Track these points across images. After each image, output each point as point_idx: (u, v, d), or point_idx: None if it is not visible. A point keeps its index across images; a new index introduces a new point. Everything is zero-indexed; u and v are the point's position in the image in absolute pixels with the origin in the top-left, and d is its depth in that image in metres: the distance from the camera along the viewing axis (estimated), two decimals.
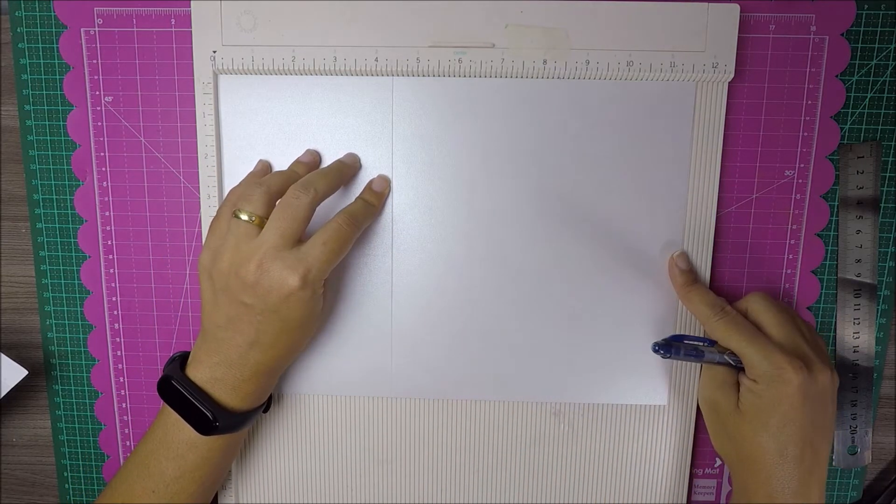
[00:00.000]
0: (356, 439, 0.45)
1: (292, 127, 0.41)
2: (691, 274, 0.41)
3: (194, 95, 0.41)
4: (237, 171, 0.42)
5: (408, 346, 0.43)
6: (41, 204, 0.44)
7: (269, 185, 0.37)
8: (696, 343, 0.40)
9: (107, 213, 0.43)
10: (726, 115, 0.41)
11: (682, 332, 0.43)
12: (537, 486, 0.45)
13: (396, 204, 0.42)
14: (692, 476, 0.46)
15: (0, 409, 0.46)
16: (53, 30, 0.41)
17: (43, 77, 0.42)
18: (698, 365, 0.43)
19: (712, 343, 0.40)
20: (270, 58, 0.40)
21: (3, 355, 0.43)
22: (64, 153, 0.43)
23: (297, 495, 0.46)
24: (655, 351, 0.39)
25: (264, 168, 0.41)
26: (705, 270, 0.42)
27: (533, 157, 0.41)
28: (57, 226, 0.44)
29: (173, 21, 0.41)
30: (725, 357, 0.39)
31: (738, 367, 0.39)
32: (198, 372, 0.37)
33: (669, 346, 0.39)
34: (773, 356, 0.36)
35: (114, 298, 0.44)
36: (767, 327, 0.38)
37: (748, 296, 0.40)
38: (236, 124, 0.41)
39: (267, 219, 0.36)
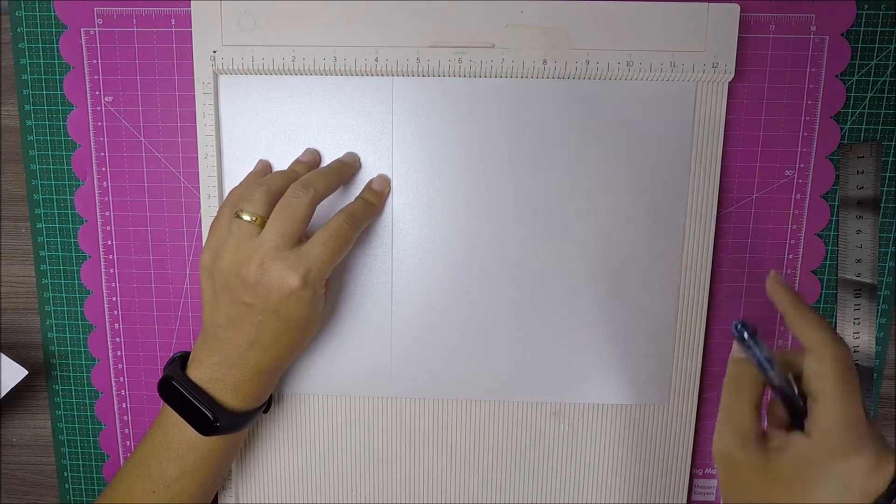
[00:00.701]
0: (356, 439, 0.45)
1: (292, 127, 0.41)
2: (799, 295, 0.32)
3: (194, 95, 0.41)
4: (237, 171, 0.42)
5: (408, 345, 0.43)
6: (41, 204, 0.43)
7: (269, 185, 0.37)
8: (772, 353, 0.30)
9: (107, 213, 0.43)
10: (726, 115, 0.41)
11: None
12: (537, 486, 0.45)
13: (396, 204, 0.42)
14: (692, 476, 0.46)
15: (0, 409, 0.46)
16: (53, 30, 0.41)
17: (43, 77, 0.42)
18: (698, 365, 0.43)
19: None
20: (270, 58, 0.40)
21: (3, 355, 0.43)
22: (64, 153, 0.43)
23: (297, 495, 0.46)
24: (736, 329, 0.29)
25: (264, 168, 0.41)
26: (705, 270, 0.42)
27: (533, 156, 0.41)
28: (57, 226, 0.44)
29: (173, 21, 0.41)
30: (789, 378, 0.30)
31: (791, 402, 0.31)
32: (198, 372, 0.37)
33: (754, 333, 0.29)
34: (858, 429, 0.28)
35: (114, 298, 0.44)
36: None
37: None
38: (236, 124, 0.41)
39: (268, 218, 0.36)
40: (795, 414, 0.30)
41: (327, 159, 0.42)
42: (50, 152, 0.43)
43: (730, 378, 0.32)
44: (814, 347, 0.30)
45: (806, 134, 0.41)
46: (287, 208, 0.36)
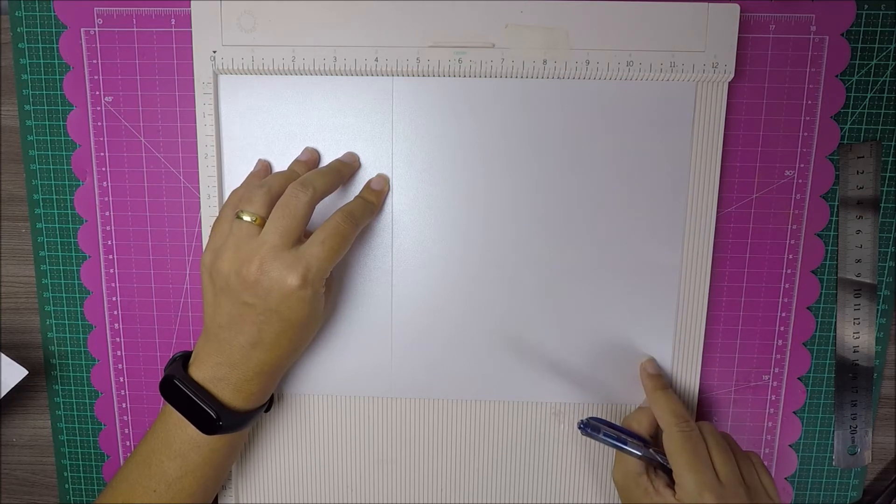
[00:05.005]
0: (356, 439, 0.45)
1: (292, 127, 0.41)
2: (660, 378, 0.41)
3: (194, 95, 0.41)
4: (237, 171, 0.42)
5: (408, 345, 0.43)
6: (41, 204, 0.44)
7: (270, 186, 0.37)
8: (618, 432, 0.39)
9: (107, 213, 0.43)
10: (726, 115, 0.41)
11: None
12: (537, 486, 0.45)
13: (396, 204, 0.42)
14: None
15: (0, 409, 0.46)
16: (53, 30, 0.41)
17: (43, 77, 0.42)
18: (698, 365, 0.43)
19: (633, 436, 0.40)
20: (270, 58, 0.40)
21: (3, 355, 0.43)
22: (64, 153, 0.43)
23: (297, 495, 0.46)
24: (580, 427, 0.39)
25: (265, 168, 0.41)
26: (705, 272, 0.42)
27: (532, 157, 0.41)
28: (57, 226, 0.44)
29: (173, 21, 0.41)
30: (652, 452, 0.38)
31: (661, 466, 0.38)
32: (200, 371, 0.37)
33: (592, 426, 0.38)
34: (706, 495, 0.35)
35: (114, 298, 0.44)
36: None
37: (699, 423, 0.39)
38: (236, 124, 0.41)
39: None
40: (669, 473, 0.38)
41: (327, 159, 0.42)
42: (50, 152, 0.43)
43: None
44: (664, 427, 0.38)
45: (806, 134, 0.41)
46: (286, 208, 0.36)
